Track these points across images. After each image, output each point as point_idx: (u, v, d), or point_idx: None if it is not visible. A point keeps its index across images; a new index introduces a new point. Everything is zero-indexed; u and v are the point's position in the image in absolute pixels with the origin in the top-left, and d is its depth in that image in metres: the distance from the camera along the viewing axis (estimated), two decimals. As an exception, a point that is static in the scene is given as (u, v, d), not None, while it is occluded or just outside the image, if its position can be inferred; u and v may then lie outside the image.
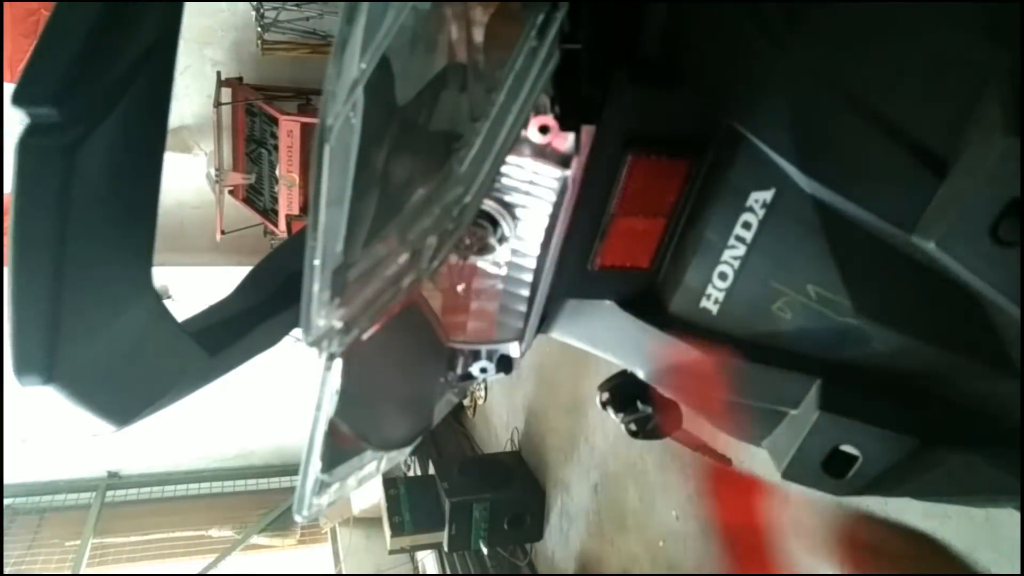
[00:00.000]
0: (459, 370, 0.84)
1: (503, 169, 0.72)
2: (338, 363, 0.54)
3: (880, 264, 0.76)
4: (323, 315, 0.50)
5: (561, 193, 0.74)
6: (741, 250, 0.82)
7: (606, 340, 0.99)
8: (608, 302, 0.91)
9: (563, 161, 0.71)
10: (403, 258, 0.54)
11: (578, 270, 0.86)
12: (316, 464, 0.63)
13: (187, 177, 5.36)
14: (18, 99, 0.50)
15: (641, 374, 0.98)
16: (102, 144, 0.53)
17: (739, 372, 0.88)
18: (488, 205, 0.74)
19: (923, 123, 0.70)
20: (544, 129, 0.67)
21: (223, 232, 5.07)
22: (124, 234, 0.59)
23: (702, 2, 0.73)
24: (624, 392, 1.11)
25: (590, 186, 0.79)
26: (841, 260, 0.77)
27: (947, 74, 0.70)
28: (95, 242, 0.56)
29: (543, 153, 0.70)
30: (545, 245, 0.77)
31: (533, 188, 0.74)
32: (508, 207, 0.75)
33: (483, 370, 0.84)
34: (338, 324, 0.50)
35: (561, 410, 4.25)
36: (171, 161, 5.40)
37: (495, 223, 0.76)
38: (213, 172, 5.03)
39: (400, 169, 0.56)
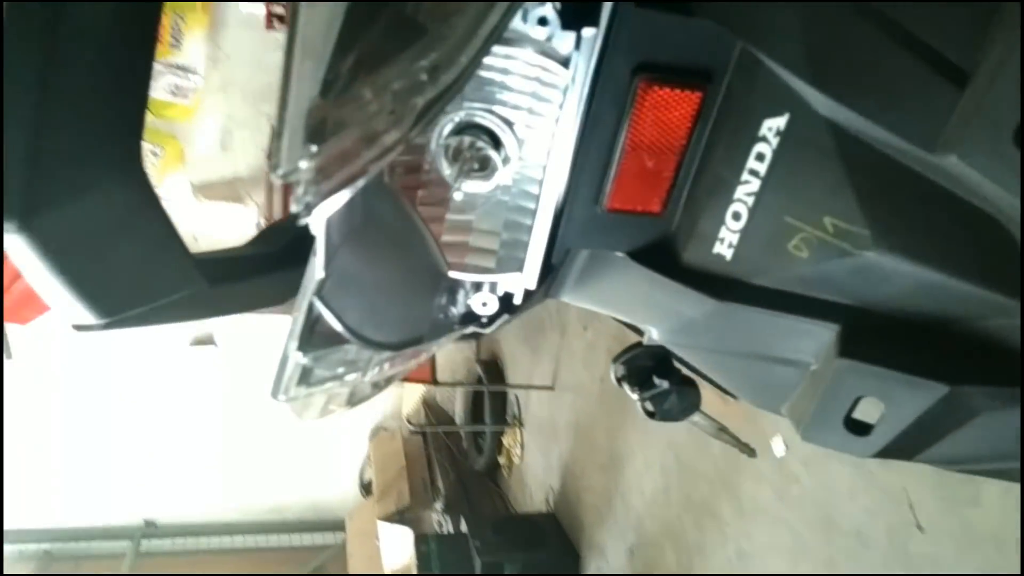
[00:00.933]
0: (460, 307, 0.81)
1: (505, 79, 0.71)
2: (319, 219, 0.52)
3: (900, 190, 0.72)
4: (296, 154, 0.49)
5: (563, 104, 0.72)
6: (755, 185, 0.79)
7: (618, 298, 0.95)
8: (620, 254, 0.88)
9: (564, 62, 0.70)
10: (382, 112, 0.53)
11: (588, 213, 0.84)
12: (293, 343, 0.61)
13: (238, 227, 5.51)
14: None
15: (655, 333, 0.94)
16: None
17: (755, 322, 0.84)
18: (490, 120, 0.73)
19: (942, 32, 0.67)
20: (543, 21, 0.66)
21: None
22: (112, 101, 0.59)
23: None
24: (640, 365, 1.06)
25: (598, 118, 0.77)
26: (859, 186, 0.73)
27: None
28: (82, 97, 0.56)
29: (544, 51, 0.69)
30: (549, 165, 0.75)
31: (536, 101, 0.73)
32: (510, 124, 0.74)
33: (484, 304, 0.81)
34: (309, 164, 0.49)
35: (597, 468, 4.14)
36: (223, 211, 5.57)
37: (497, 142, 0.74)
38: (263, 222, 5.17)
39: (383, 26, 0.55)
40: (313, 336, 0.63)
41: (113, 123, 0.60)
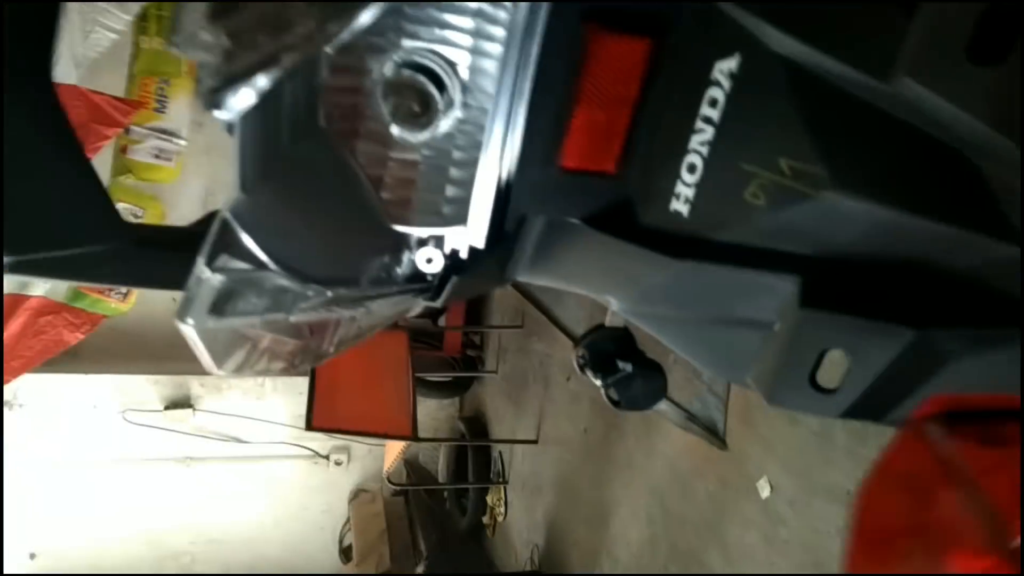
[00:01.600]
0: (404, 266, 0.77)
1: (445, 16, 0.69)
2: (229, 110, 0.48)
3: (856, 125, 0.70)
4: (199, 22, 0.46)
5: (508, 42, 0.70)
6: (709, 133, 0.76)
7: (576, 269, 0.91)
8: (575, 221, 0.85)
9: (505, -9, 0.67)
10: (294, 12, 0.50)
11: (541, 174, 0.81)
12: (202, 259, 0.56)
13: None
14: None
15: (614, 304, 0.89)
16: None
17: (716, 281, 0.80)
18: (431, 60, 0.70)
19: (888, -42, 0.66)
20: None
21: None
22: (14, 11, 0.56)
23: None
24: (602, 349, 1.01)
25: (547, 68, 0.75)
26: (813, 123, 0.70)
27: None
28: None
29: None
30: (496, 106, 0.73)
31: (479, 39, 0.70)
32: (452, 66, 0.71)
33: (429, 260, 0.77)
34: (211, 36, 0.46)
35: (582, 522, 4.03)
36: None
37: (440, 84, 0.71)
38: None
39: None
40: (222, 255, 0.58)
41: (19, 37, 0.56)
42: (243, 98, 0.49)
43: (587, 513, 3.93)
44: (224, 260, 0.58)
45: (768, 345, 0.80)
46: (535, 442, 4.64)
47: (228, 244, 0.58)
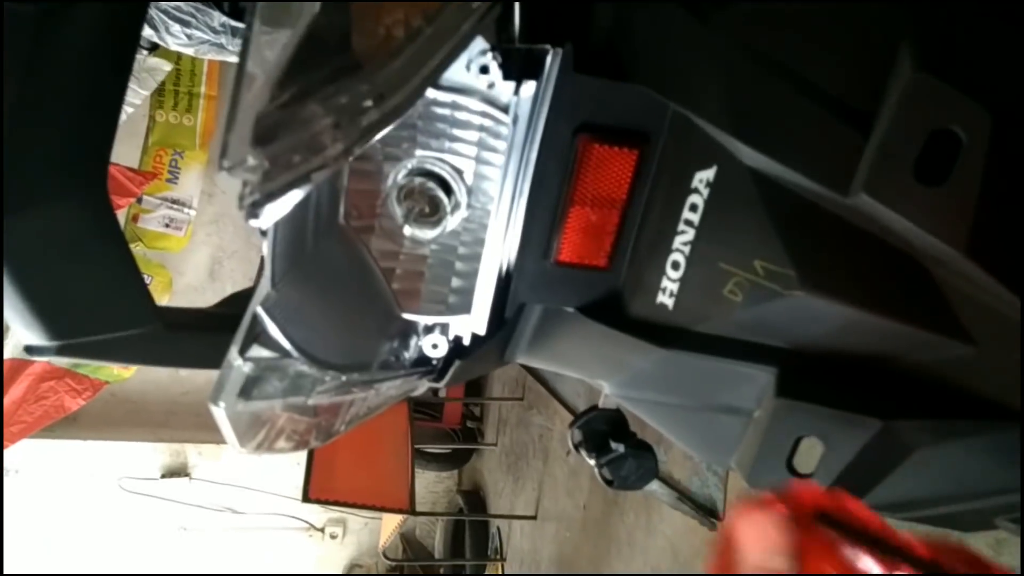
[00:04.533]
0: (412, 350, 0.84)
1: (452, 129, 0.77)
2: (265, 221, 0.56)
3: (821, 232, 0.77)
4: (242, 149, 0.53)
5: (509, 150, 0.78)
6: (691, 234, 0.84)
7: (571, 354, 0.98)
8: (570, 310, 0.92)
9: (506, 109, 0.76)
10: (328, 125, 0.58)
11: (538, 268, 0.88)
12: (235, 348, 0.63)
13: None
14: None
15: (607, 388, 0.96)
16: (75, 24, 0.60)
17: (699, 370, 0.86)
18: (440, 167, 0.79)
19: (846, 86, 0.75)
20: (484, 69, 0.73)
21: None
22: (82, 122, 0.64)
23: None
24: (596, 429, 1.07)
25: (543, 174, 0.83)
26: (783, 230, 0.78)
27: (863, 39, 0.75)
28: (56, 112, 0.61)
29: (487, 98, 0.75)
30: (496, 208, 0.80)
31: (483, 150, 0.79)
32: (459, 172, 0.80)
33: (434, 346, 0.84)
34: (255, 161, 0.53)
35: (580, 602, 3.97)
36: (208, 338, 5.57)
37: (448, 188, 0.79)
38: (246, 347, 5.18)
39: (337, 61, 0.62)
40: (253, 345, 0.65)
41: (83, 142, 0.65)
42: (278, 210, 0.56)
43: (585, 592, 3.88)
44: (254, 350, 0.65)
45: (749, 431, 0.86)
46: (534, 518, 4.61)
47: (258, 335, 0.65)
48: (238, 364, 0.64)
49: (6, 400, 4.73)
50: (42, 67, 0.59)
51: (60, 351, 0.69)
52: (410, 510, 4.43)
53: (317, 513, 5.92)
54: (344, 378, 0.73)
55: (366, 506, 4.57)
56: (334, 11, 0.64)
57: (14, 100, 0.58)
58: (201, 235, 5.94)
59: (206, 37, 2.46)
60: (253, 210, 0.55)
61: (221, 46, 2.42)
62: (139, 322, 0.76)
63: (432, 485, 6.09)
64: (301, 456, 4.41)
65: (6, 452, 5.09)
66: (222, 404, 0.64)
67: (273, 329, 0.65)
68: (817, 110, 0.75)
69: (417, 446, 4.82)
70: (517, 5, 0.77)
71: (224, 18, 2.44)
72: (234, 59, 2.51)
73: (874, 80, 0.72)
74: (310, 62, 0.60)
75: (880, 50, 0.72)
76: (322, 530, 6.16)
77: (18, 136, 0.58)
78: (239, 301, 1.01)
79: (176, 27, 2.33)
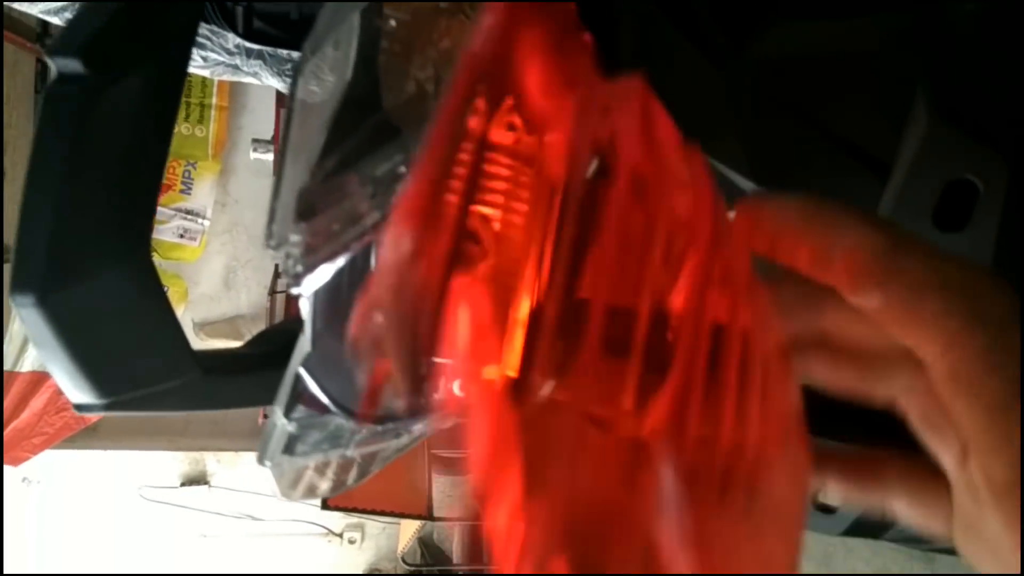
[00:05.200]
0: (440, 392, 0.86)
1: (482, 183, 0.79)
2: (308, 289, 0.58)
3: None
4: (287, 228, 0.56)
5: (534, 194, 0.80)
6: (712, 274, 0.85)
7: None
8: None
9: (531, 160, 0.78)
10: (364, 197, 0.60)
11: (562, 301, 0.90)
12: (279, 409, 0.65)
13: (238, 362, 5.57)
14: (51, 51, 0.60)
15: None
16: (117, 100, 0.63)
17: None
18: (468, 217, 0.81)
19: (864, 132, 0.76)
20: (511, 126, 0.75)
21: (265, 416, 5.17)
22: (127, 192, 0.67)
23: (657, 40, 0.84)
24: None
25: (567, 215, 0.85)
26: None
27: (880, 86, 0.77)
28: (102, 186, 0.64)
29: (514, 152, 0.77)
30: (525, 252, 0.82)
31: (510, 199, 0.81)
32: (486, 221, 0.82)
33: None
34: (298, 237, 0.56)
35: (600, 604, 3.99)
36: (224, 348, 5.62)
37: (476, 238, 0.82)
38: (262, 356, 5.22)
39: (370, 130, 0.64)
40: (298, 405, 0.68)
41: (129, 210, 0.67)
42: (319, 278, 0.59)
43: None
44: (298, 410, 0.68)
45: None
46: (550, 521, 4.63)
47: (300, 394, 0.68)
48: (282, 423, 0.67)
49: (27, 412, 4.79)
50: (87, 145, 0.62)
51: (108, 407, 0.72)
52: (429, 516, 4.46)
53: (336, 519, 5.97)
54: (380, 428, 0.76)
55: (384, 512, 4.62)
56: (366, 78, 0.67)
57: (62, 181, 0.60)
58: (215, 245, 5.99)
59: (221, 59, 2.49)
60: (298, 281, 0.58)
61: (236, 67, 2.44)
62: (180, 373, 0.78)
63: (449, 489, 6.12)
64: (319, 464, 4.45)
65: (27, 464, 5.15)
66: (267, 463, 0.66)
67: (314, 387, 0.68)
68: (835, 156, 0.77)
69: (434, 451, 4.85)
70: (539, 57, 0.79)
71: (238, 40, 2.47)
72: (249, 79, 2.54)
73: (891, 127, 0.74)
74: (346, 132, 0.62)
75: (896, 97, 0.74)
76: (341, 535, 6.21)
77: (66, 216, 0.61)
78: (266, 339, 1.04)
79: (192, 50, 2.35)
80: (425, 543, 5.93)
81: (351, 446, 0.74)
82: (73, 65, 0.60)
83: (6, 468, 5.36)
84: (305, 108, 0.60)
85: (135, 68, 0.63)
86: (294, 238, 0.55)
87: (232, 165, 5.75)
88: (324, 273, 0.59)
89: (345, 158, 0.60)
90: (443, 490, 6.13)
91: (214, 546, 6.11)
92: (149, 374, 0.75)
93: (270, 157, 5.46)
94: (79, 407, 0.72)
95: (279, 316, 5.40)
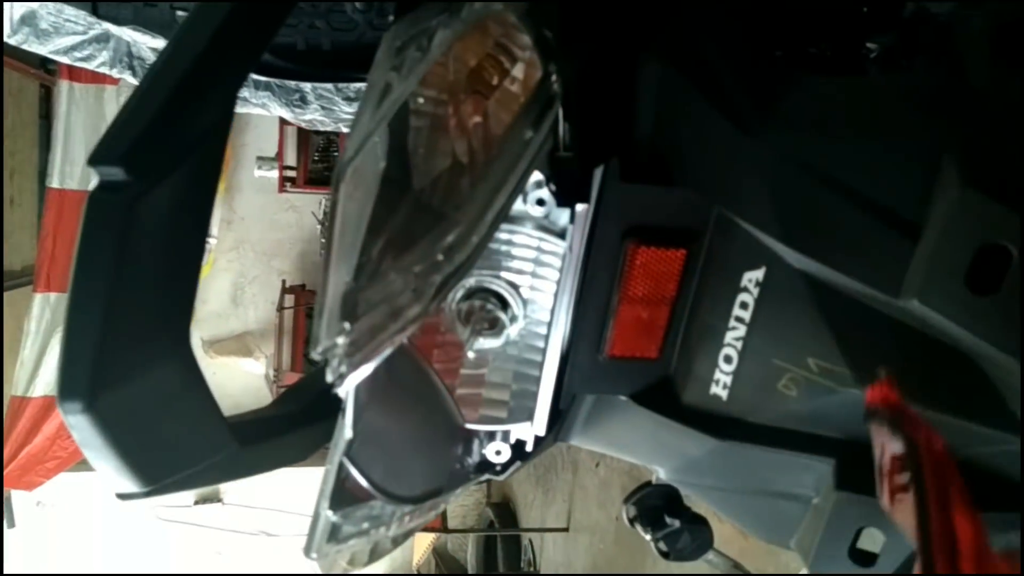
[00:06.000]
0: (475, 456, 0.87)
1: (510, 250, 0.80)
2: (350, 386, 0.59)
3: (874, 332, 0.79)
4: (332, 332, 0.57)
5: (563, 267, 0.80)
6: (742, 331, 0.86)
7: (624, 439, 1.00)
8: (623, 397, 0.94)
9: (561, 234, 0.79)
10: (405, 291, 0.61)
11: (591, 361, 0.91)
12: (325, 502, 0.66)
13: (245, 380, 5.58)
14: (93, 160, 0.61)
15: (662, 473, 0.98)
16: (158, 203, 0.63)
17: (756, 459, 0.88)
18: (498, 284, 0.81)
19: (893, 194, 0.76)
20: (541, 202, 0.76)
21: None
22: (169, 288, 0.67)
23: (682, 106, 0.84)
24: (650, 505, 1.09)
25: (594, 276, 0.86)
26: (835, 330, 0.80)
27: (909, 149, 0.77)
28: (144, 288, 0.64)
29: (543, 226, 0.78)
30: (552, 321, 0.83)
31: (538, 267, 0.81)
32: (516, 287, 0.82)
33: (498, 452, 0.87)
34: (344, 339, 0.56)
35: (618, 614, 3.99)
36: (232, 365, 5.65)
37: (505, 303, 0.82)
38: (271, 373, 5.24)
39: (406, 217, 0.64)
40: (342, 494, 0.68)
41: (171, 307, 0.68)
42: (363, 374, 0.59)
43: (622, 604, 3.90)
44: (342, 500, 0.68)
45: (808, 516, 0.88)
46: (566, 530, 4.64)
47: (344, 482, 0.68)
48: (327, 515, 0.68)
49: (40, 437, 4.80)
50: (130, 249, 0.62)
51: (150, 494, 0.73)
52: (443, 528, 4.47)
53: (350, 532, 5.98)
54: (422, 505, 0.77)
55: (400, 526, 4.61)
56: (400, 163, 0.67)
57: (106, 287, 0.61)
58: (223, 262, 5.99)
59: (228, 91, 2.48)
60: (341, 380, 0.58)
61: (245, 99, 2.45)
62: (218, 449, 0.79)
63: (462, 499, 6.13)
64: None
65: (41, 488, 5.15)
66: (314, 555, 0.67)
67: (357, 474, 0.69)
68: (866, 218, 0.76)
69: (446, 463, 4.85)
70: (563, 126, 0.79)
71: (245, 71, 2.45)
72: (258, 111, 2.54)
73: (920, 190, 0.74)
74: (384, 225, 0.63)
75: (924, 161, 0.74)
76: (355, 548, 6.22)
77: (111, 319, 0.62)
78: (291, 398, 1.05)
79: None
80: (440, 554, 5.94)
81: (393, 525, 0.75)
82: (115, 173, 0.61)
83: (20, 492, 5.37)
84: (344, 207, 0.61)
85: (174, 169, 0.64)
86: (340, 340, 0.56)
87: (237, 183, 5.76)
88: (367, 369, 0.60)
89: (384, 251, 0.61)
90: (457, 500, 6.15)
91: (230, 563, 6.12)
92: (190, 456, 0.76)
93: (274, 174, 5.47)
94: (122, 496, 0.73)
95: (287, 331, 5.41)
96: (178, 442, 0.74)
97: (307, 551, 0.68)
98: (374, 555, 0.81)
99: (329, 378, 0.58)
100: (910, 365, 0.79)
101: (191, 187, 0.67)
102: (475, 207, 0.66)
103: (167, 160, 0.63)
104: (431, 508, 0.82)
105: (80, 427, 0.62)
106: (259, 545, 6.12)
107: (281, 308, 5.30)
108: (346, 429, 0.66)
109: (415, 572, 5.32)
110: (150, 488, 0.72)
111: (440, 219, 0.66)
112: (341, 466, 0.67)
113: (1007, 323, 0.70)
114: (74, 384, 0.61)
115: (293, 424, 0.93)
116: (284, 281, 5.58)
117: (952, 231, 0.70)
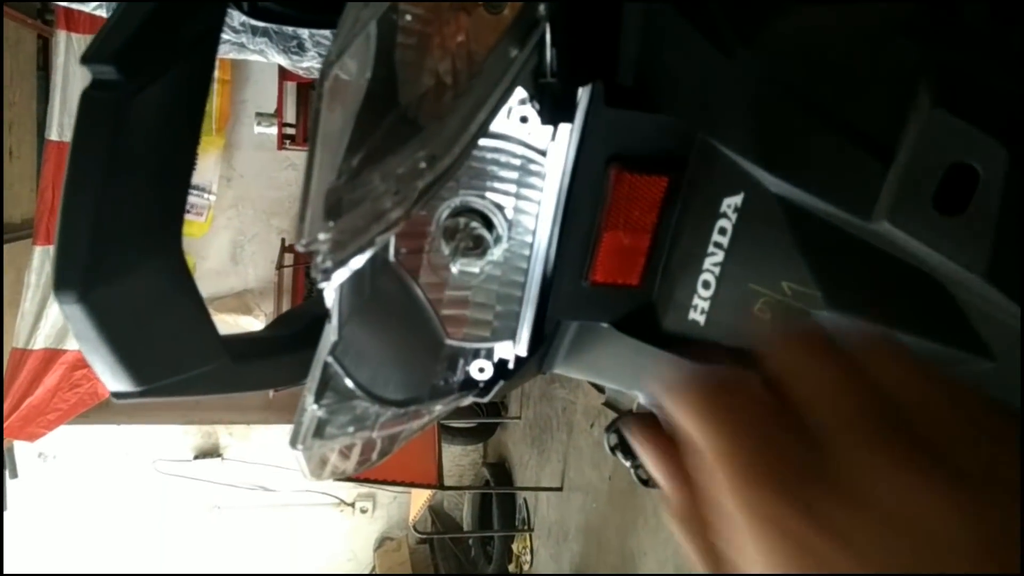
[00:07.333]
0: (459, 374, 0.89)
1: (494, 169, 0.82)
2: (336, 283, 0.61)
3: (845, 255, 0.81)
4: (316, 229, 0.59)
5: (546, 188, 0.83)
6: (720, 256, 0.88)
7: (606, 366, 1.03)
8: (605, 324, 0.97)
9: (544, 153, 0.81)
10: (388, 194, 0.63)
11: (574, 288, 0.93)
12: (310, 396, 0.69)
13: (247, 336, 5.63)
14: (86, 58, 0.62)
15: (642, 398, 1.01)
16: (150, 103, 0.65)
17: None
18: (482, 204, 0.84)
19: (869, 118, 0.78)
20: (524, 119, 0.78)
21: (276, 390, 5.23)
22: (161, 189, 0.69)
23: (668, 30, 0.85)
24: (630, 433, 1.12)
25: (577, 202, 0.88)
26: (808, 253, 0.82)
27: (885, 73, 0.79)
28: (136, 187, 0.67)
29: (526, 143, 0.80)
30: (535, 243, 0.85)
31: (522, 187, 0.83)
32: (500, 208, 0.84)
33: (481, 370, 0.90)
34: (327, 235, 0.59)
35: (609, 571, 4.07)
36: (232, 323, 5.70)
37: (490, 224, 0.84)
38: (272, 330, 5.28)
39: (390, 127, 0.66)
40: (327, 391, 0.71)
41: (162, 208, 0.70)
42: (346, 273, 0.62)
43: (614, 562, 3.98)
44: (327, 396, 0.71)
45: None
46: (560, 489, 4.71)
47: (328, 380, 0.71)
48: (312, 409, 0.70)
49: (41, 389, 4.86)
50: (122, 148, 0.64)
51: (144, 395, 0.76)
52: (439, 485, 4.53)
53: (347, 489, 6.08)
54: (403, 410, 0.79)
55: (395, 482, 4.69)
56: (384, 75, 0.69)
57: (99, 183, 0.63)
58: (222, 220, 6.00)
59: (227, 37, 2.49)
60: (325, 276, 0.61)
61: (242, 45, 2.45)
62: (210, 359, 0.82)
63: (458, 459, 6.22)
64: (330, 435, 4.52)
65: (43, 439, 5.23)
66: (299, 447, 0.70)
67: (341, 374, 0.71)
68: (842, 141, 0.78)
69: (443, 421, 4.92)
70: (550, 49, 0.81)
71: (244, 17, 2.47)
72: (255, 57, 2.54)
73: (895, 115, 0.76)
74: (368, 130, 0.65)
75: (901, 86, 0.76)
76: (352, 505, 6.32)
77: (104, 216, 0.64)
78: (286, 322, 1.07)
79: (198, 31, 2.36)
80: (436, 512, 6.04)
81: (376, 428, 0.78)
82: (108, 71, 0.63)
83: (23, 444, 5.45)
84: (329, 109, 0.63)
85: (166, 71, 0.66)
86: (323, 236, 0.58)
87: (236, 139, 5.76)
88: (351, 268, 0.62)
89: (368, 156, 0.63)
90: (452, 459, 6.23)
91: (228, 517, 6.23)
92: (182, 362, 0.79)
93: (273, 131, 5.46)
94: (116, 395, 0.75)
95: (287, 289, 5.44)
96: (171, 346, 0.77)
97: (293, 442, 0.71)
98: (360, 464, 0.84)
99: (314, 273, 0.61)
100: (880, 288, 0.82)
101: (183, 90, 0.68)
102: (457, 118, 0.68)
103: (159, 61, 0.65)
104: (415, 417, 0.85)
105: (75, 318, 0.65)
106: (257, 499, 6.22)
107: (280, 266, 5.32)
108: (332, 331, 0.69)
109: (411, 528, 5.41)
110: (143, 388, 0.75)
111: (422, 130, 0.68)
112: (327, 366, 0.70)
113: (973, 242, 0.72)
114: (69, 276, 0.63)
115: (286, 347, 0.96)
116: (283, 239, 5.60)
117: (920, 152, 0.72)
